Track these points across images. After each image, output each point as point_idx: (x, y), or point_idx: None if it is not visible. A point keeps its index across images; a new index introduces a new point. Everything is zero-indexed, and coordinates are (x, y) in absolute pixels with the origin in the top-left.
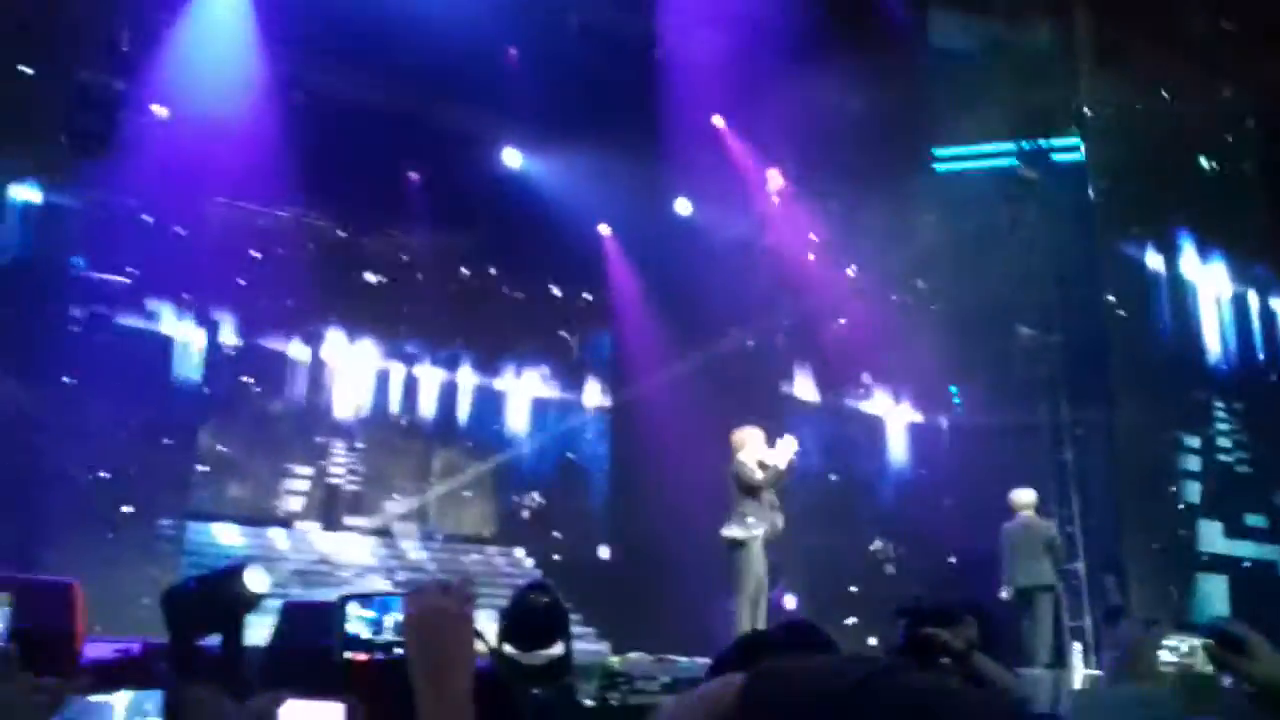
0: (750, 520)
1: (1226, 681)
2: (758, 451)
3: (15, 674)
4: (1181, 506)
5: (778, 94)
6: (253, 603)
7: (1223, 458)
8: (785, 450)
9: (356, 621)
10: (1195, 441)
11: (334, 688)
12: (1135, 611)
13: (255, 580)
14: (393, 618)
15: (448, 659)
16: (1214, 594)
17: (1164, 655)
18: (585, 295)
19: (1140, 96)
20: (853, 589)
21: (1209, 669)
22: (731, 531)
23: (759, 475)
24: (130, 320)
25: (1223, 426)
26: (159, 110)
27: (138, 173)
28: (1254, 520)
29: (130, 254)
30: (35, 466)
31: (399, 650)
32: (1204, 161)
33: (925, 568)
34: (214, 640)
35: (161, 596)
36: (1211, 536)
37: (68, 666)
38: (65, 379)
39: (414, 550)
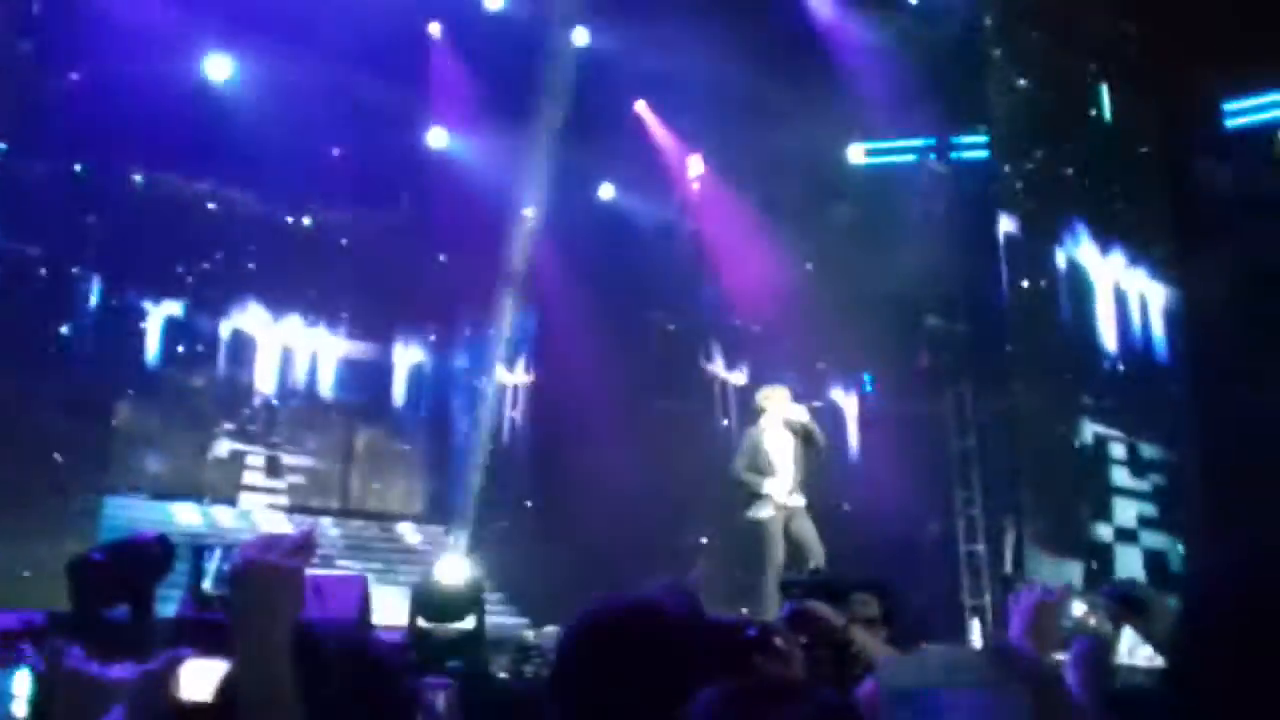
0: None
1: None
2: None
3: None
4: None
5: (698, 82)
6: (162, 571)
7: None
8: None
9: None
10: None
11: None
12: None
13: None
14: None
15: (262, 613)
16: (1130, 569)
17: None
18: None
19: (1042, 90)
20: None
21: (1106, 630)
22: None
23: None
24: (47, 291)
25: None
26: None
27: (51, 139)
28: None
29: (47, 223)
30: None
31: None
32: (1101, 151)
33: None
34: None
35: (66, 567)
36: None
37: None
38: None
39: (332, 528)
